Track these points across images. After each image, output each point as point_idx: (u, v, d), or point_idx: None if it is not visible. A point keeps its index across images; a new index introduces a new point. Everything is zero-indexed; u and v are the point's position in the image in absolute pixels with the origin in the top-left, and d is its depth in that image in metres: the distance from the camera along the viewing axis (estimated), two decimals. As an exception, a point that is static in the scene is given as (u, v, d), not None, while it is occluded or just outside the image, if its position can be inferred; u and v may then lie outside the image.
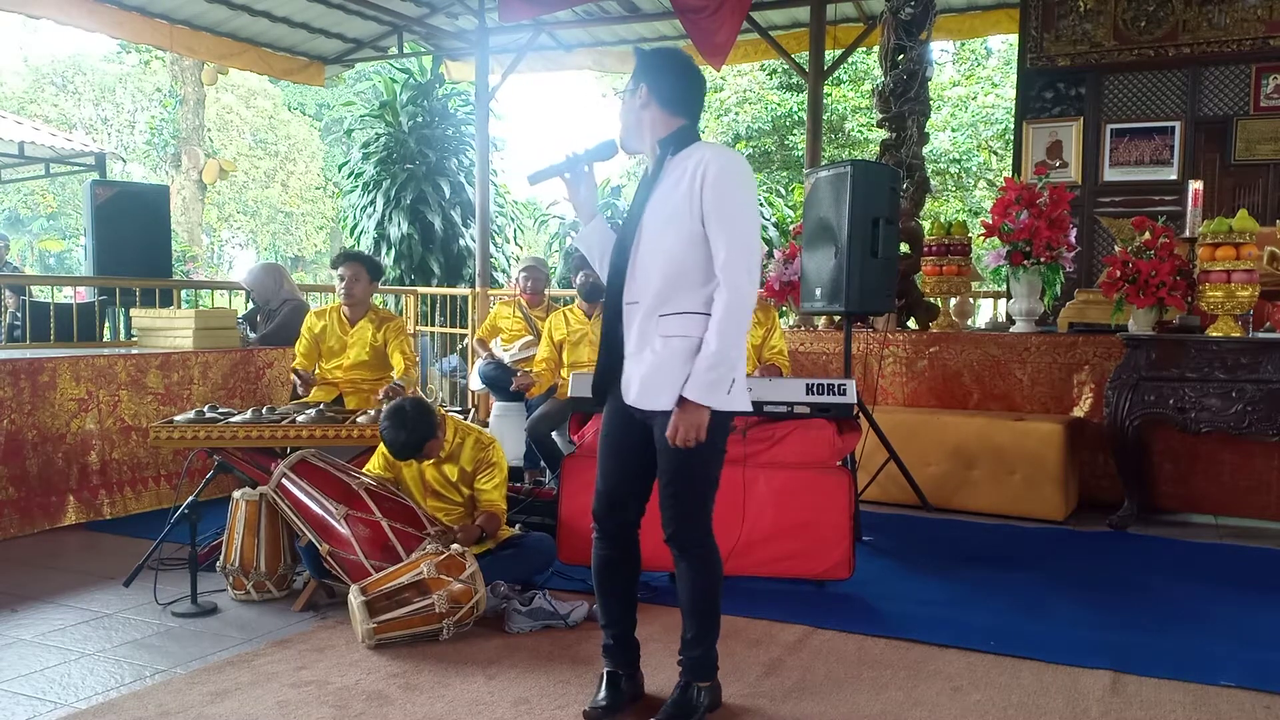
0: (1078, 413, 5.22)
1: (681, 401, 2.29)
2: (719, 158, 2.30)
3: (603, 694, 2.56)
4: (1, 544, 4.22)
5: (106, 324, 7.28)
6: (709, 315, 2.28)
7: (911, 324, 6.18)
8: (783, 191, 15.83)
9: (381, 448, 3.62)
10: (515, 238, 12.95)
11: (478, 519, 3.48)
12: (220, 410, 3.94)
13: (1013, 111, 7.41)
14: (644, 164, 2.49)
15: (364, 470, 3.68)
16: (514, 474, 4.85)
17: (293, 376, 4.63)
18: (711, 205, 2.27)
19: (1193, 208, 4.91)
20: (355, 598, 3.02)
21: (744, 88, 17.63)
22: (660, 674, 2.75)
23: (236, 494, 3.55)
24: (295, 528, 3.35)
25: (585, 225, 2.58)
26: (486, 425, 5.71)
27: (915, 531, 4.70)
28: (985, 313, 7.87)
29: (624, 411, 2.46)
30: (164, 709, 2.56)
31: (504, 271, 11.30)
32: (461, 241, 11.14)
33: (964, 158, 17.39)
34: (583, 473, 3.75)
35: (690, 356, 2.29)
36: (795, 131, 16.96)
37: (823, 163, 7.07)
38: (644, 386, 2.34)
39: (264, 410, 3.94)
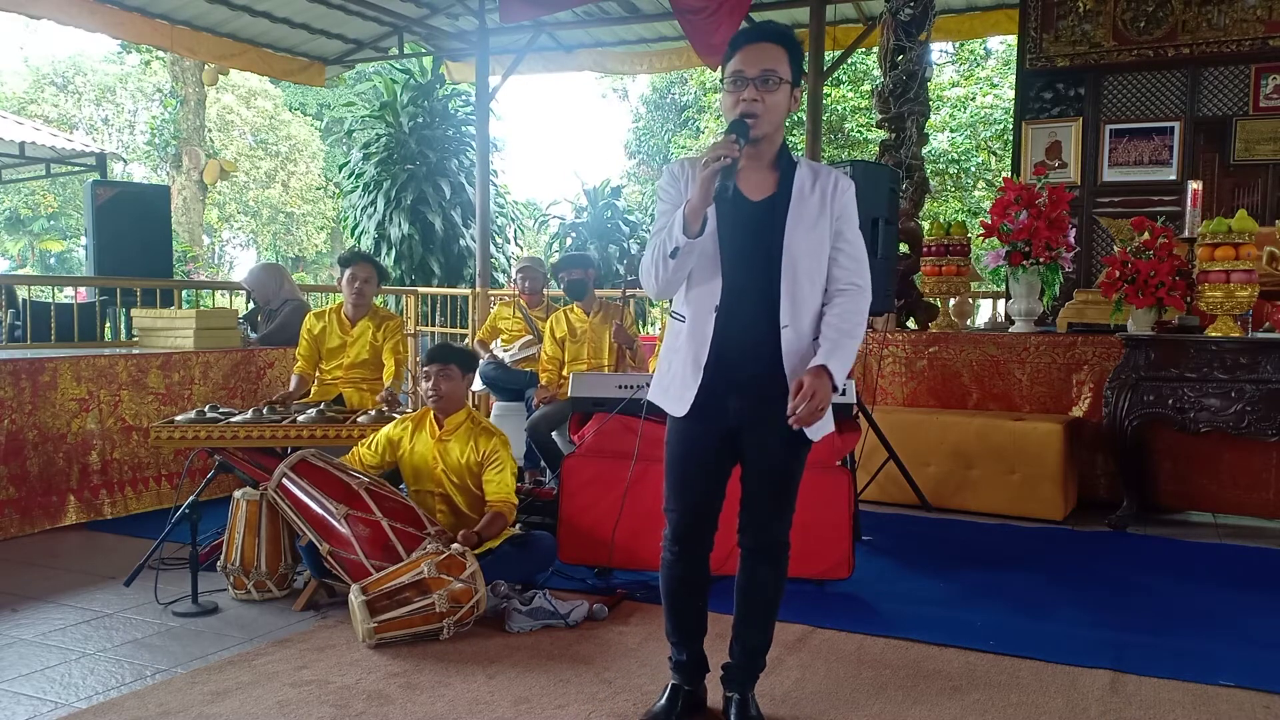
0: (1077, 413, 5.22)
1: (820, 370, 2.24)
2: (850, 183, 2.37)
3: (663, 704, 2.51)
4: (2, 544, 4.22)
5: (107, 324, 7.29)
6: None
7: (911, 324, 6.19)
8: (783, 192, 15.83)
9: (387, 429, 3.65)
10: (515, 238, 12.98)
11: (482, 521, 3.45)
12: (221, 410, 3.95)
13: (1012, 112, 7.41)
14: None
15: (364, 442, 3.68)
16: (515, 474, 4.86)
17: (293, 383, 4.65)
18: (845, 227, 2.37)
19: (1192, 208, 4.92)
20: (356, 597, 3.03)
21: (744, 88, 17.64)
22: (661, 673, 2.76)
23: (237, 494, 3.55)
24: (296, 527, 3.36)
25: (699, 226, 2.21)
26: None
27: (915, 531, 4.70)
28: (984, 313, 7.87)
29: (716, 430, 2.37)
30: (165, 708, 2.57)
31: (504, 272, 11.32)
32: (462, 242, 11.16)
33: (963, 158, 17.41)
34: (583, 472, 3.76)
35: None
36: (795, 132, 16.95)
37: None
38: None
39: (264, 410, 3.94)
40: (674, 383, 2.38)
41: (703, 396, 2.34)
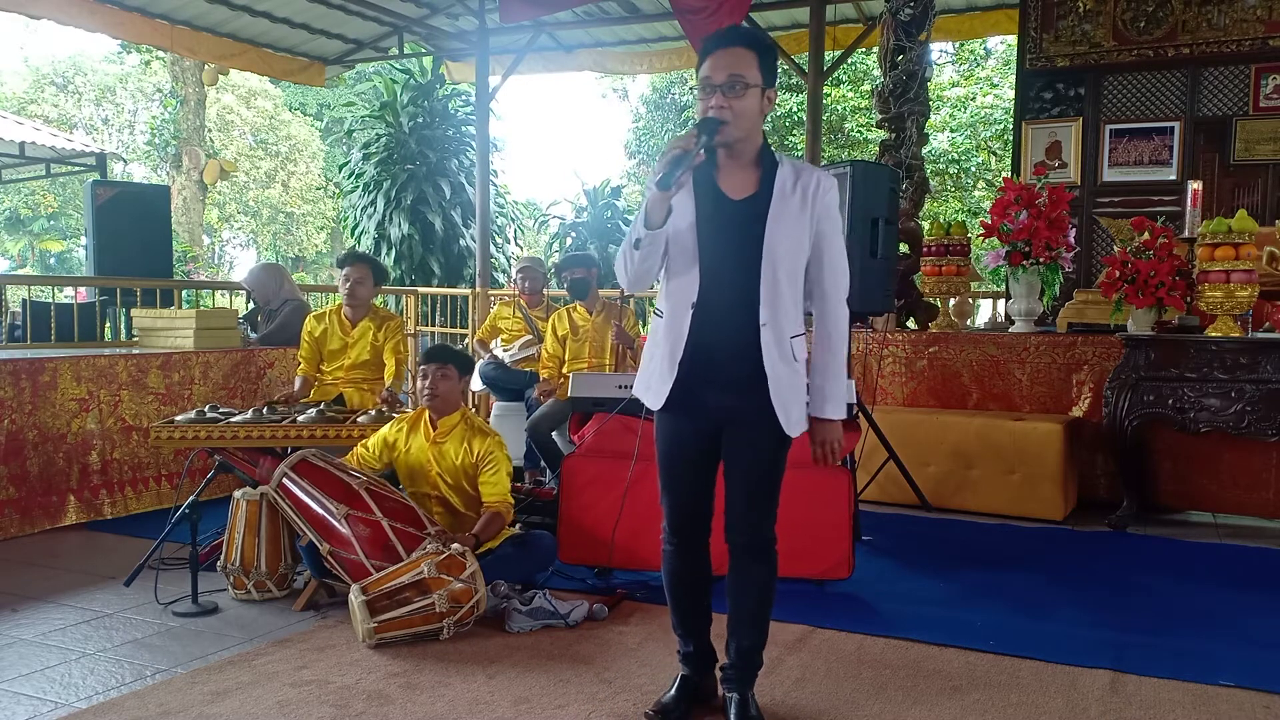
0: (1077, 413, 5.22)
1: (821, 421, 2.41)
2: (833, 181, 2.36)
3: (672, 694, 2.55)
4: (2, 544, 4.22)
5: (107, 324, 7.30)
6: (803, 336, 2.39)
7: (911, 324, 6.18)
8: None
9: (383, 430, 3.65)
10: (515, 238, 12.99)
11: (479, 523, 3.46)
12: (221, 410, 3.95)
13: (1012, 112, 7.41)
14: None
15: (363, 443, 3.68)
16: (514, 474, 4.87)
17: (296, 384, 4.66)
18: (827, 227, 2.36)
19: (1192, 208, 4.92)
20: (356, 597, 3.03)
21: (744, 88, 17.63)
22: (661, 673, 2.77)
23: (237, 494, 3.55)
24: (296, 527, 3.36)
25: (662, 217, 2.27)
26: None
27: (915, 531, 4.70)
28: (984, 313, 7.87)
29: (698, 426, 2.41)
30: (165, 708, 2.57)
31: (504, 272, 11.33)
32: (462, 242, 11.16)
33: (963, 158, 17.42)
34: (583, 472, 3.76)
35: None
36: (795, 132, 16.98)
37: (822, 163, 7.07)
38: (809, 405, 2.41)
39: (264, 410, 3.95)
40: (652, 377, 2.43)
41: (680, 393, 2.37)
